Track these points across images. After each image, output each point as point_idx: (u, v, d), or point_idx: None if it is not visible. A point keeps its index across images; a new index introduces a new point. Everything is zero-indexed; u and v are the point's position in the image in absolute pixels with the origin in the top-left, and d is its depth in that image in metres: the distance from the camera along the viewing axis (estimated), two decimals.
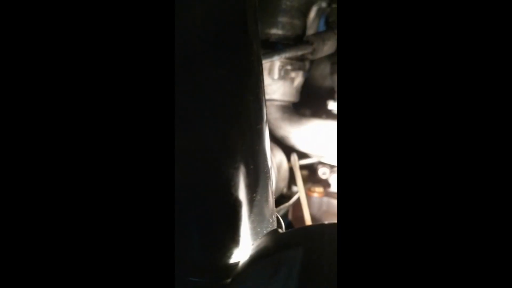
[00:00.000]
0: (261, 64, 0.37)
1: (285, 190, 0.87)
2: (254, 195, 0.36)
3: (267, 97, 0.86)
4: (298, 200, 0.93)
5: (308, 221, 0.85)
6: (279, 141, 0.92)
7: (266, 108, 0.38)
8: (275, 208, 0.43)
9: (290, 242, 0.27)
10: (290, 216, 1.00)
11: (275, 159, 0.78)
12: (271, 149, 0.82)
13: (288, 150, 0.92)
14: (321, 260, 0.24)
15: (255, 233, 0.39)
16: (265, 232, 0.38)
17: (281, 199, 0.85)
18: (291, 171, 0.90)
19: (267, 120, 0.91)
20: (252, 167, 0.35)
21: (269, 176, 0.39)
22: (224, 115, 0.32)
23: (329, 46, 0.83)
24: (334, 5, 0.87)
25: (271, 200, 0.40)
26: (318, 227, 0.29)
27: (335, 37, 0.84)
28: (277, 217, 0.46)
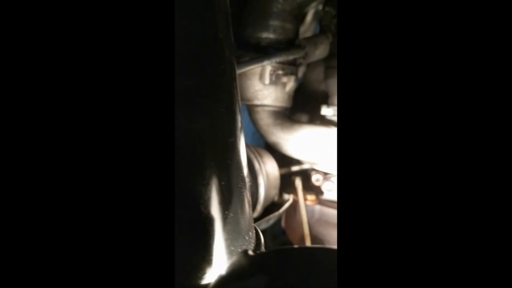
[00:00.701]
0: (234, 71, 0.35)
1: (276, 198, 0.85)
2: (227, 212, 0.34)
3: (258, 102, 0.84)
4: (291, 207, 0.91)
5: (307, 235, 0.83)
6: (270, 147, 0.90)
7: (241, 117, 0.36)
8: (252, 224, 0.41)
9: (255, 268, 0.25)
10: (283, 224, 0.98)
11: (265, 166, 0.76)
12: (262, 156, 0.80)
13: (280, 156, 0.90)
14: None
15: (229, 251, 0.36)
16: (239, 250, 0.36)
17: (272, 207, 0.83)
18: (282, 178, 0.88)
19: (260, 126, 0.88)
20: (223, 183, 0.33)
21: (244, 192, 0.37)
22: (191, 128, 0.30)
23: (321, 50, 0.81)
24: (327, 9, 0.85)
25: (247, 215, 0.38)
26: (287, 253, 0.27)
27: (328, 41, 0.82)
28: (257, 232, 0.44)
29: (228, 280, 0.25)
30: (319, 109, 0.89)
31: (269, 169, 0.77)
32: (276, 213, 0.79)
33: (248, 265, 0.26)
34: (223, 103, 0.32)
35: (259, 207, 0.75)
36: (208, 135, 0.31)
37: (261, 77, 0.82)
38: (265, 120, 0.87)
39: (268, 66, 0.80)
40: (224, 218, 0.34)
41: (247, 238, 0.39)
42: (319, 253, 0.27)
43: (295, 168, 0.94)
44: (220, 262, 0.35)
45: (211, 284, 0.31)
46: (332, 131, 0.82)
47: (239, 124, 0.35)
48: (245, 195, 0.38)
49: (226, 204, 0.34)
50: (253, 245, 0.41)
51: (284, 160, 0.94)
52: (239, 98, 0.36)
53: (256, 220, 0.76)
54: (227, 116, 0.33)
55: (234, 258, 0.31)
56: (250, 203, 0.40)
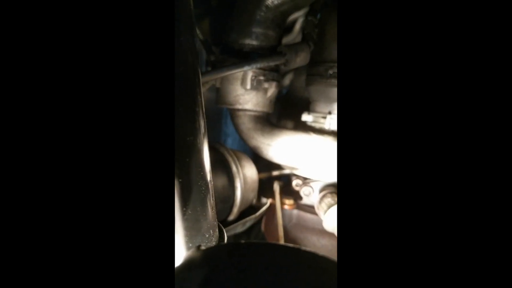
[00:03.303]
0: (197, 77, 0.36)
1: (254, 201, 0.86)
2: (185, 209, 0.36)
3: (239, 107, 0.86)
4: (270, 212, 0.92)
5: (281, 237, 0.84)
6: (251, 152, 0.91)
7: (203, 120, 0.37)
8: (215, 223, 0.42)
9: (199, 261, 0.26)
10: (263, 228, 0.99)
11: (242, 169, 0.77)
12: (240, 160, 0.81)
13: (259, 160, 0.91)
14: (222, 280, 0.23)
15: (187, 248, 0.38)
16: None
17: (250, 210, 0.84)
18: (262, 182, 0.89)
19: (241, 130, 0.89)
20: (181, 180, 0.34)
21: (206, 190, 0.38)
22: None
23: (302, 58, 0.83)
24: (310, 18, 0.87)
25: (209, 213, 0.39)
26: (235, 246, 0.28)
27: (309, 49, 0.83)
28: (221, 229, 0.45)
29: (177, 273, 0.26)
30: (299, 116, 0.91)
31: (247, 172, 0.78)
32: (253, 216, 0.80)
33: (197, 258, 0.27)
34: (182, 104, 0.33)
35: (235, 210, 0.75)
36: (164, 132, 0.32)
37: (243, 82, 0.84)
38: (246, 124, 0.88)
39: (249, 72, 0.82)
40: (182, 215, 0.36)
41: (207, 236, 0.40)
42: (266, 248, 0.28)
43: (275, 173, 0.95)
44: (178, 258, 0.36)
45: None
46: (312, 137, 0.84)
47: (201, 125, 0.37)
48: (206, 194, 0.39)
49: (184, 201, 0.35)
50: (214, 243, 0.42)
51: (267, 165, 0.96)
52: (202, 101, 0.37)
53: (232, 222, 0.77)
54: (186, 116, 0.34)
55: (187, 253, 0.32)
56: (213, 202, 0.41)
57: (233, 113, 0.90)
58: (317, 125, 0.89)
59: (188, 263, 0.27)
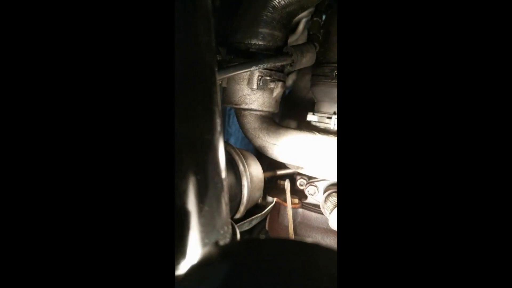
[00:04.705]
0: (214, 74, 0.37)
1: (260, 200, 0.86)
2: (202, 205, 0.36)
3: (245, 106, 0.86)
4: (274, 210, 0.93)
5: (291, 234, 0.85)
6: (257, 151, 0.92)
7: (220, 119, 0.38)
8: (229, 220, 0.43)
9: (221, 257, 0.27)
10: (267, 227, 1.00)
11: (249, 168, 0.78)
12: (247, 159, 0.82)
13: (265, 160, 0.92)
14: (245, 276, 0.24)
15: (203, 244, 0.38)
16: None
17: (255, 209, 0.85)
18: (267, 181, 0.90)
19: (247, 130, 0.90)
20: (199, 177, 0.35)
21: (221, 187, 0.39)
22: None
23: (308, 58, 0.84)
24: (315, 18, 0.88)
25: (223, 210, 0.40)
26: (251, 244, 0.29)
27: (314, 49, 0.84)
28: (233, 227, 0.46)
29: (196, 268, 0.27)
30: (304, 116, 0.92)
31: (253, 171, 0.79)
32: (259, 215, 0.80)
33: (216, 254, 0.28)
34: (200, 102, 0.34)
35: (242, 208, 0.76)
36: (184, 131, 0.33)
37: (249, 82, 0.84)
38: (252, 124, 0.89)
39: (256, 72, 0.83)
40: (199, 211, 0.36)
41: (221, 232, 0.41)
42: (286, 244, 0.29)
43: (280, 172, 0.96)
44: (193, 254, 0.37)
45: (182, 275, 0.33)
46: (317, 137, 0.85)
47: (217, 124, 0.38)
48: (221, 191, 0.39)
49: (202, 198, 0.36)
50: (228, 239, 0.43)
51: (269, 164, 0.96)
52: (219, 101, 0.38)
53: (239, 220, 0.78)
54: (204, 115, 0.35)
55: (205, 249, 0.33)
56: (227, 199, 0.42)
57: (238, 113, 0.90)
58: (322, 125, 0.90)
59: (209, 258, 0.28)
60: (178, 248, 0.36)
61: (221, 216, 0.40)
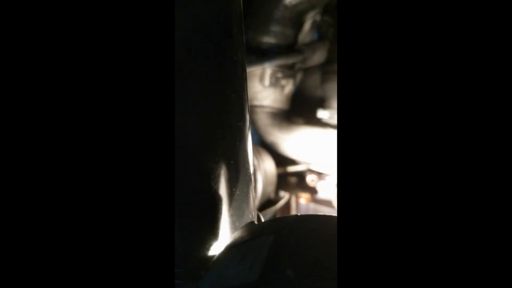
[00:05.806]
0: (245, 72, 0.38)
1: (272, 194, 0.88)
2: (234, 189, 0.38)
3: (257, 103, 0.88)
4: (285, 206, 0.95)
5: None
6: (268, 147, 0.94)
7: (248, 110, 0.40)
8: (255, 205, 0.45)
9: (262, 230, 0.29)
10: None
11: (263, 164, 0.80)
12: (260, 154, 0.84)
13: (277, 156, 0.94)
14: (289, 247, 0.25)
15: (233, 227, 0.40)
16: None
17: (268, 203, 0.87)
18: (279, 177, 0.92)
19: (258, 126, 0.92)
20: (232, 162, 0.37)
21: (249, 173, 0.41)
22: (205, 109, 0.34)
23: (319, 56, 0.86)
24: (325, 18, 0.90)
25: (251, 196, 0.42)
26: (293, 218, 0.30)
27: (325, 47, 0.86)
28: (258, 214, 0.47)
29: (236, 243, 0.28)
30: (315, 112, 0.94)
31: (267, 166, 0.81)
32: (272, 209, 0.82)
33: (256, 229, 0.29)
34: (233, 90, 0.36)
35: (256, 202, 0.78)
36: (219, 116, 0.35)
37: (261, 79, 0.86)
38: (263, 120, 0.91)
39: (268, 69, 0.85)
40: (231, 195, 0.38)
41: (250, 217, 0.42)
42: (321, 218, 0.31)
43: (291, 168, 0.97)
44: (224, 237, 0.39)
45: (219, 253, 0.35)
46: (328, 133, 0.86)
47: (247, 112, 0.39)
48: (250, 177, 0.41)
49: (234, 182, 0.38)
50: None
51: (282, 160, 0.98)
52: (248, 94, 0.40)
53: None
54: (236, 101, 0.37)
55: (241, 228, 0.34)
56: (253, 186, 0.44)
57: (250, 110, 0.92)
58: (332, 122, 0.91)
59: (248, 234, 0.29)
60: (211, 230, 0.37)
61: (249, 201, 0.42)
